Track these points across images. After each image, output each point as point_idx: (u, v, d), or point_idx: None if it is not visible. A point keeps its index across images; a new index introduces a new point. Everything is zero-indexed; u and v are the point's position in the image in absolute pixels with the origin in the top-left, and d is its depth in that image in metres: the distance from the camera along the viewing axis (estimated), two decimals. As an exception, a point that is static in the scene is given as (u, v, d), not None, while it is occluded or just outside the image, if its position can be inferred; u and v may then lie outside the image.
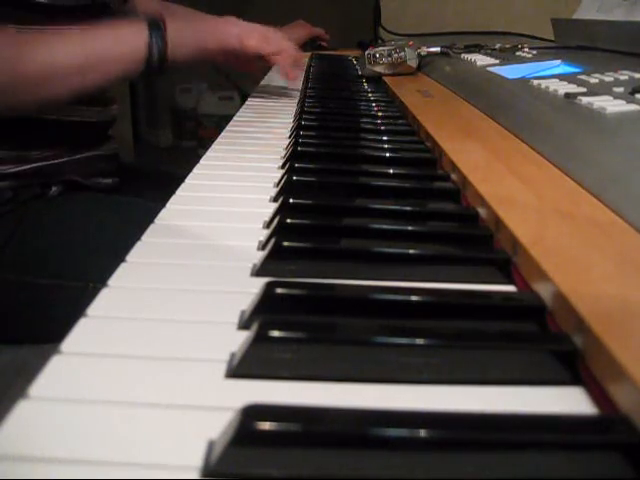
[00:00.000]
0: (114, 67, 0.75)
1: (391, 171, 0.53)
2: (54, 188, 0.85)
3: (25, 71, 0.69)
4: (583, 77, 0.62)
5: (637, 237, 0.33)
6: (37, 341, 0.69)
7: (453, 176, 0.49)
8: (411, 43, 1.00)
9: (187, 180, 0.51)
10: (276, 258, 0.35)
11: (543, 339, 0.28)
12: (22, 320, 0.77)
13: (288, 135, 0.68)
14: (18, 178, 0.82)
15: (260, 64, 0.90)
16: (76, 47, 0.73)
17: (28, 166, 0.82)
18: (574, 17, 0.92)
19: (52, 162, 0.84)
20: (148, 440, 0.22)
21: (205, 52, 0.80)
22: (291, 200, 0.43)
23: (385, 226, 0.40)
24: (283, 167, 0.55)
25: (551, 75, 0.67)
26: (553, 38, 0.99)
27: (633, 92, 0.51)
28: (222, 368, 0.26)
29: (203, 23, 0.83)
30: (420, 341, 0.26)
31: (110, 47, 0.75)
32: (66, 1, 0.81)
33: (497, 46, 0.97)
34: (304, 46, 1.47)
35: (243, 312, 0.30)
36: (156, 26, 0.75)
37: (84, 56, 0.73)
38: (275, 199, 0.47)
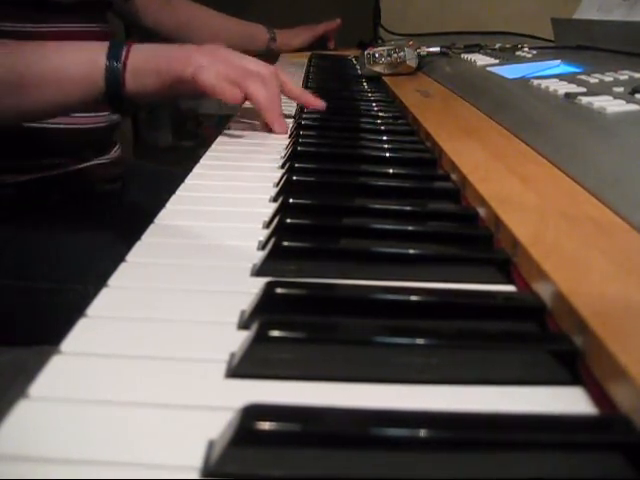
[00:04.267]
0: (60, 87, 0.67)
1: (391, 171, 0.53)
2: (53, 197, 0.85)
3: None
4: (583, 77, 0.62)
5: (637, 237, 0.33)
6: (37, 344, 0.69)
7: (453, 176, 0.49)
8: (411, 43, 1.00)
9: (187, 180, 0.51)
10: (276, 258, 0.35)
11: (543, 339, 0.28)
12: (22, 325, 0.77)
13: (288, 135, 0.68)
14: (18, 188, 0.81)
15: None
16: (17, 60, 0.66)
17: (28, 177, 0.82)
18: (574, 17, 0.92)
19: (54, 172, 0.84)
20: (148, 440, 0.22)
21: (163, 82, 0.68)
22: (291, 200, 0.43)
23: (385, 226, 0.40)
24: (283, 167, 0.55)
25: (551, 75, 0.67)
26: (553, 38, 0.99)
27: (633, 92, 0.51)
28: (222, 368, 0.26)
29: (171, 50, 0.70)
30: (420, 341, 0.26)
31: (60, 67, 0.68)
32: None
33: (497, 46, 0.97)
34: (310, 47, 1.47)
35: (243, 312, 0.30)
36: (118, 48, 0.68)
37: (21, 73, 0.66)
38: (275, 199, 0.47)
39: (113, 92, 0.68)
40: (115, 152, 0.93)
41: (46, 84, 0.67)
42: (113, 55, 0.67)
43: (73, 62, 0.68)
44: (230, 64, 0.69)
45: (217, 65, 0.67)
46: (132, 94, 0.69)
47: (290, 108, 0.85)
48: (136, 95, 0.69)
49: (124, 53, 0.67)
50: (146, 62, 0.68)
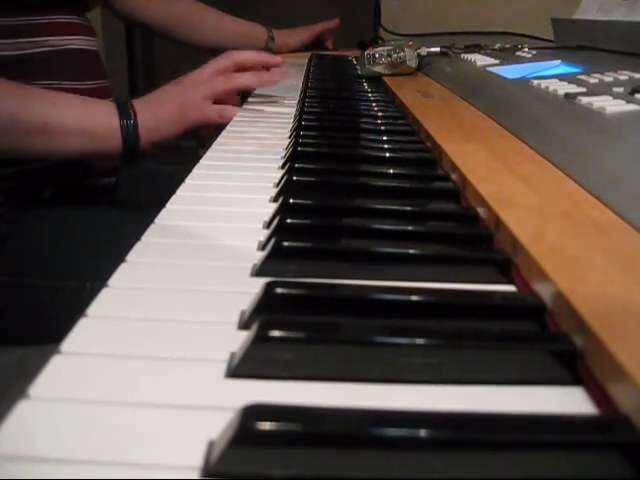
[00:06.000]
0: (78, 139, 0.73)
1: (391, 171, 0.53)
2: (47, 191, 0.85)
3: None
4: (583, 77, 0.62)
5: (637, 237, 0.33)
6: (37, 343, 0.69)
7: (453, 176, 0.49)
8: (411, 43, 1.00)
9: (187, 180, 0.51)
10: (276, 258, 0.35)
11: (543, 339, 0.28)
12: (21, 322, 0.77)
13: (288, 135, 0.68)
14: (6, 181, 0.81)
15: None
16: (43, 108, 0.71)
17: (16, 168, 0.82)
18: (574, 17, 0.92)
19: (42, 164, 0.83)
20: (148, 440, 0.22)
21: (179, 128, 0.79)
22: (291, 200, 0.43)
23: (385, 226, 0.40)
24: (283, 167, 0.55)
25: (551, 75, 0.67)
26: (553, 38, 0.99)
27: (633, 92, 0.51)
28: (222, 368, 0.26)
29: (173, 103, 0.78)
30: (420, 341, 0.26)
31: (77, 119, 0.73)
32: None
33: (497, 46, 0.97)
34: (308, 47, 1.47)
35: (243, 312, 0.30)
36: (125, 108, 0.74)
37: (45, 119, 0.70)
38: (275, 199, 0.47)
39: (130, 148, 0.74)
40: None
41: (70, 134, 0.72)
42: (124, 115, 0.73)
43: (90, 117, 0.73)
44: (220, 76, 0.81)
45: (217, 86, 0.79)
46: (147, 147, 0.75)
47: (290, 108, 0.85)
48: (151, 146, 0.76)
49: (132, 112, 0.73)
50: (156, 115, 0.75)
